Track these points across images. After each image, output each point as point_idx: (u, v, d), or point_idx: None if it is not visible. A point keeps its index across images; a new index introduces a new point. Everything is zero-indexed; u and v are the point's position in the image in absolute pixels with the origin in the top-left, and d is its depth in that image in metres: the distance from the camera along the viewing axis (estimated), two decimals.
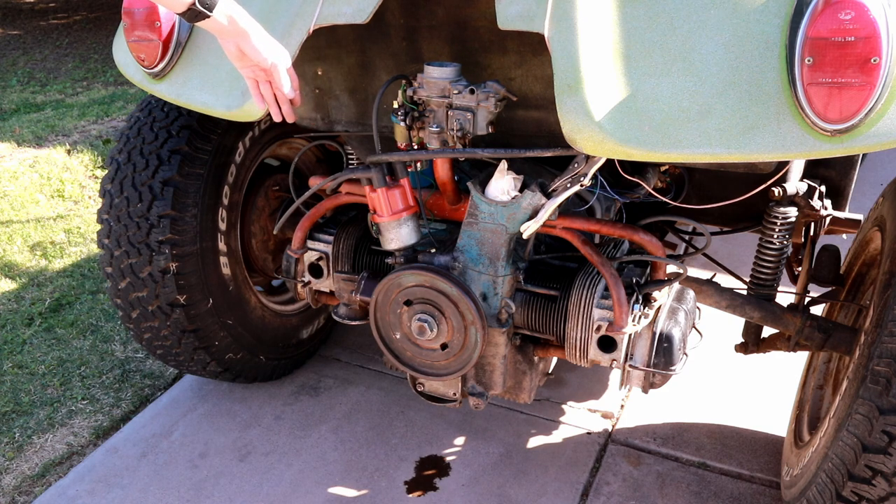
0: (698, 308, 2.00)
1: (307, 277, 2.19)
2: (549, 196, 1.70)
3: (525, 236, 1.73)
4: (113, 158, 2.20)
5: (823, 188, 2.02)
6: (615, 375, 2.71)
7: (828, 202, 2.04)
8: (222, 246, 2.27)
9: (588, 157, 1.63)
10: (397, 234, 1.85)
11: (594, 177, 1.72)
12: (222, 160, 2.23)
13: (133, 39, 1.85)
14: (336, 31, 1.81)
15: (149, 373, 2.80)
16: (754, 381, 2.70)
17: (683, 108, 1.38)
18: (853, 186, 2.15)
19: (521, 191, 1.74)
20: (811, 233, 2.21)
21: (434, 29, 1.72)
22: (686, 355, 1.85)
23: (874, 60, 1.28)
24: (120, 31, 1.97)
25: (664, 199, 1.91)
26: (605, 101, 1.41)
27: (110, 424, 2.55)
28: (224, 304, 2.30)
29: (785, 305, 2.11)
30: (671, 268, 1.88)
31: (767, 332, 2.27)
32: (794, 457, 1.97)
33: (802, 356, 2.60)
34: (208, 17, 1.47)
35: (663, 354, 1.79)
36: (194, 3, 1.46)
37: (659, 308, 1.83)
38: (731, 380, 2.71)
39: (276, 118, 1.70)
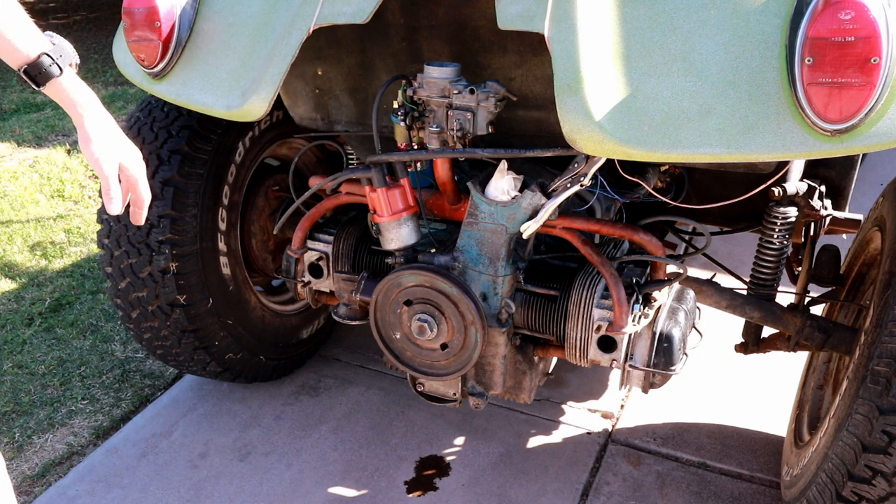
0: (698, 308, 2.00)
1: (307, 277, 2.19)
2: (549, 196, 1.70)
3: (525, 236, 1.73)
4: None
5: (823, 188, 2.02)
6: (615, 375, 2.71)
7: (828, 202, 2.03)
8: (222, 246, 2.27)
9: (588, 157, 1.63)
10: (397, 234, 1.85)
11: (594, 177, 1.72)
12: (222, 160, 2.22)
13: (133, 39, 1.85)
14: (336, 31, 1.81)
15: (149, 373, 2.80)
16: (754, 381, 2.70)
17: (683, 108, 1.38)
18: (853, 186, 2.15)
19: (521, 191, 1.74)
20: (811, 233, 2.21)
21: (434, 29, 1.72)
22: (686, 355, 1.85)
23: (874, 60, 1.28)
24: (120, 31, 1.97)
25: (664, 199, 1.91)
26: (605, 101, 1.41)
27: (110, 424, 2.55)
28: (224, 304, 2.30)
29: (785, 305, 2.11)
30: (671, 268, 1.88)
31: (767, 332, 2.27)
32: (794, 457, 1.97)
33: (802, 356, 2.60)
34: (40, 85, 1.31)
35: (663, 354, 1.79)
36: (38, 59, 1.29)
37: (659, 308, 1.83)
38: (731, 380, 2.71)
39: (133, 220, 1.47)
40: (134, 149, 1.42)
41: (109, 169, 1.37)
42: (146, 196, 1.45)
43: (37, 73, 1.31)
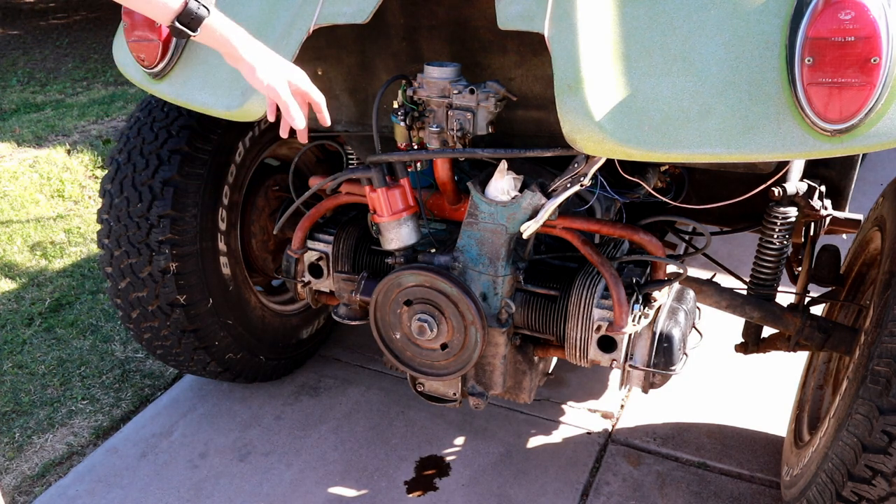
0: (698, 308, 2.00)
1: (307, 277, 2.19)
2: (549, 196, 1.70)
3: (525, 236, 1.73)
4: (113, 158, 2.20)
5: (823, 188, 2.02)
6: (615, 375, 2.71)
7: (828, 202, 2.04)
8: (222, 246, 2.27)
9: (588, 157, 1.63)
10: (397, 234, 1.85)
11: (594, 177, 1.72)
12: (222, 160, 2.22)
13: (133, 39, 1.85)
14: (336, 31, 1.81)
15: (149, 373, 2.80)
16: (754, 381, 2.70)
17: (683, 108, 1.38)
18: (853, 186, 2.15)
19: (521, 191, 1.74)
20: (811, 233, 2.21)
21: (434, 29, 1.72)
22: (686, 355, 1.85)
23: (874, 60, 1.28)
24: (120, 31, 1.97)
25: (664, 199, 1.91)
26: (605, 101, 1.41)
27: (110, 424, 2.55)
28: (224, 304, 2.30)
29: (785, 305, 2.11)
30: (671, 268, 1.88)
31: (767, 332, 2.27)
32: (794, 457, 1.97)
33: (802, 356, 2.60)
34: (195, 31, 1.37)
35: (663, 354, 1.79)
36: (186, 6, 1.34)
37: (659, 308, 1.83)
38: (731, 380, 2.71)
39: (283, 133, 1.57)
40: (291, 65, 1.51)
41: (283, 91, 1.46)
42: (321, 99, 1.55)
43: (189, 21, 1.36)
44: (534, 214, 1.71)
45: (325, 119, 1.59)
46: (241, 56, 1.44)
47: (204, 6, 1.38)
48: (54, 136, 4.85)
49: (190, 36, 1.39)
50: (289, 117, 1.48)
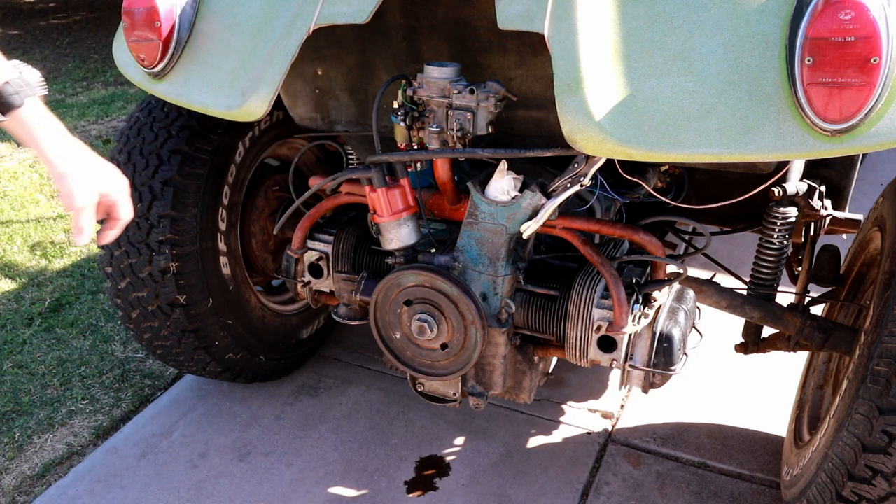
0: (698, 308, 2.00)
1: (307, 277, 2.19)
2: (549, 196, 1.70)
3: (525, 236, 1.73)
4: (113, 158, 2.20)
5: (823, 188, 2.02)
6: (615, 375, 2.71)
7: (828, 202, 2.04)
8: (222, 246, 2.27)
9: (588, 157, 1.63)
10: (397, 234, 1.85)
11: (594, 177, 1.72)
12: (222, 160, 2.22)
13: (133, 39, 1.85)
14: (336, 31, 1.81)
15: (149, 373, 2.81)
16: (754, 381, 2.70)
17: (683, 108, 1.38)
18: (853, 186, 2.15)
19: (521, 191, 1.74)
20: (811, 233, 2.21)
21: (434, 29, 1.72)
22: (686, 355, 1.85)
23: (874, 60, 1.28)
24: (120, 31, 1.97)
25: (664, 199, 1.91)
26: (605, 101, 1.41)
27: (110, 424, 2.55)
28: (224, 304, 2.30)
29: (785, 305, 2.11)
30: (671, 268, 1.88)
31: (767, 332, 2.27)
32: (794, 457, 1.97)
33: (802, 356, 2.60)
34: (4, 115, 1.23)
35: (663, 354, 1.79)
36: (1, 87, 1.20)
37: (659, 308, 1.83)
38: (731, 380, 2.71)
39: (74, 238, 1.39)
40: (113, 172, 1.38)
41: (82, 202, 1.32)
42: (125, 217, 1.41)
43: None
44: (534, 214, 1.71)
45: (106, 238, 1.42)
46: (53, 161, 1.31)
47: (20, 94, 1.25)
48: None
49: None
50: (76, 229, 1.34)
